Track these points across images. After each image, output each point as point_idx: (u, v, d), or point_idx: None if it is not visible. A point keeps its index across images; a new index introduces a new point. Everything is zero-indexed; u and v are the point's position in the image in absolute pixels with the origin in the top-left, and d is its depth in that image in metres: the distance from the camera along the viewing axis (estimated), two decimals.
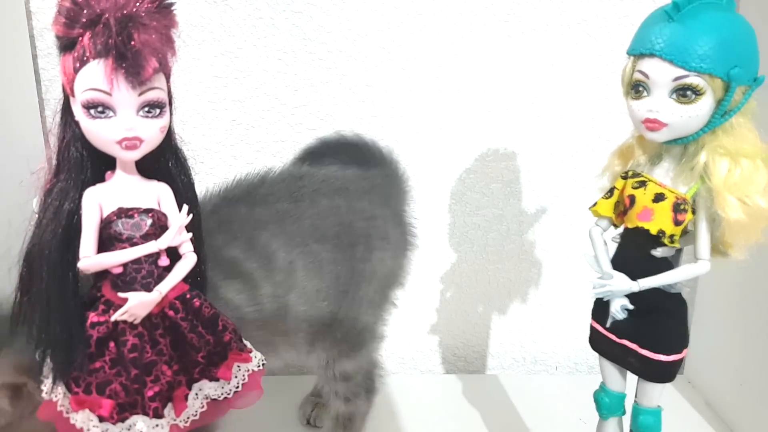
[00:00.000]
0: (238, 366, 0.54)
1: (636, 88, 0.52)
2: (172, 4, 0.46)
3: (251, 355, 0.55)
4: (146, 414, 0.49)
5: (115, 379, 0.49)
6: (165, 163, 0.51)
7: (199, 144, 0.89)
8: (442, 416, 0.89)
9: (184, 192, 0.52)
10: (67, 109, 0.47)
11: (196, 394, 0.52)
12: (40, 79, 0.85)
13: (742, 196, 0.50)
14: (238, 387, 0.53)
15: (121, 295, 0.48)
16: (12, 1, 0.79)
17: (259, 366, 0.55)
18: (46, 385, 0.50)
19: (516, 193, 0.95)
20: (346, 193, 0.73)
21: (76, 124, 0.47)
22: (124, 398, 0.49)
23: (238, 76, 0.87)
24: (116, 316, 0.48)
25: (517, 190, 0.95)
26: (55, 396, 0.49)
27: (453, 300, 0.99)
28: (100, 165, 0.49)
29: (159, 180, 0.51)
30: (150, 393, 0.49)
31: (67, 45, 0.45)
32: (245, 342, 0.55)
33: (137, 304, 0.48)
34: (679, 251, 0.56)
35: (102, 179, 0.49)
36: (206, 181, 0.89)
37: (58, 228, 0.47)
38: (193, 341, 0.51)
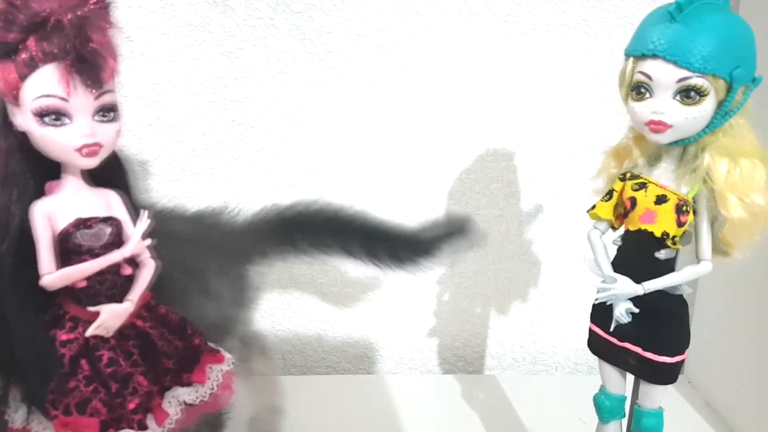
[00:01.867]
0: (211, 367, 0.53)
1: (638, 90, 0.52)
2: (110, 4, 0.45)
3: (222, 354, 0.55)
4: (131, 428, 0.48)
5: (93, 396, 0.47)
6: (111, 168, 0.49)
7: (199, 144, 0.88)
8: (442, 416, 0.88)
9: (133, 197, 0.50)
10: (5, 119, 0.45)
11: (170, 402, 0.51)
12: None
13: (742, 195, 0.50)
14: (213, 389, 0.53)
15: (91, 309, 0.47)
16: None
17: (230, 365, 0.54)
18: (19, 414, 0.47)
19: (516, 193, 0.95)
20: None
21: (16, 134, 0.44)
22: (106, 415, 0.47)
23: (238, 76, 0.87)
24: (90, 331, 0.47)
25: (517, 190, 0.95)
26: (28, 424, 0.47)
27: (452, 300, 0.99)
28: (42, 177, 0.46)
29: (105, 187, 0.49)
30: (131, 406, 0.48)
31: (5, 50, 0.42)
32: (213, 345, 0.54)
33: (110, 317, 0.47)
34: (678, 252, 0.56)
35: (42, 191, 0.47)
36: (206, 181, 0.90)
37: (8, 247, 0.44)
38: (163, 349, 0.51)
